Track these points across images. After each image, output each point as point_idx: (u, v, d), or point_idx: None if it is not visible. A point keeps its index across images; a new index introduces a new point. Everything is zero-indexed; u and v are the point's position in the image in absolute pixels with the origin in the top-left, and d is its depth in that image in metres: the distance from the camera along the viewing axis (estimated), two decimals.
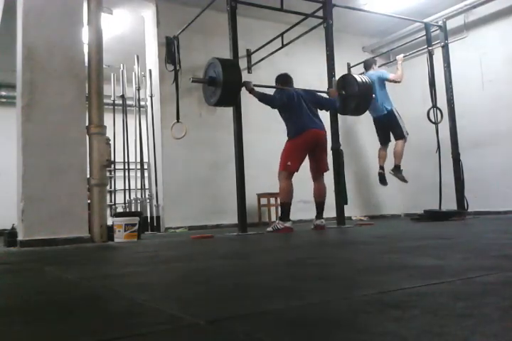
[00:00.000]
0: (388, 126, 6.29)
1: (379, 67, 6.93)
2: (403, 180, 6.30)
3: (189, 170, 6.10)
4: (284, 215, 4.37)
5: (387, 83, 6.36)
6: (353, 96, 5.05)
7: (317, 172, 4.49)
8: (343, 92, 5.04)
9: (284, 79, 4.71)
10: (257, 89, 4.41)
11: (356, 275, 1.50)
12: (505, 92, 6.18)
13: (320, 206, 4.52)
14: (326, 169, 4.53)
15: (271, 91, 4.60)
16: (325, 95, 4.81)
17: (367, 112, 6.58)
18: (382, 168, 6.47)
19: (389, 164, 6.40)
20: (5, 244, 3.87)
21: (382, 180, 6.51)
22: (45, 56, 3.76)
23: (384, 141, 6.50)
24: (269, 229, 4.41)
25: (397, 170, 6.24)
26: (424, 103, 5.82)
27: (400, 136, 6.21)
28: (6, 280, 1.85)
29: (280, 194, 4.44)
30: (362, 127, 7.42)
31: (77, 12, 3.98)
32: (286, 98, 4.40)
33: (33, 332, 0.92)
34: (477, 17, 6.50)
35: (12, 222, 5.12)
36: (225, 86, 4.15)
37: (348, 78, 5.23)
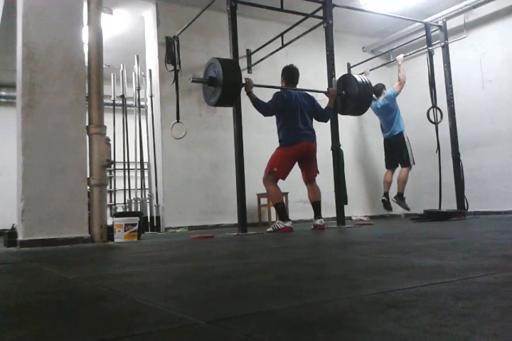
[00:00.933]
0: (396, 149, 6.30)
1: (379, 67, 6.94)
2: (406, 208, 6.31)
3: (189, 170, 6.10)
4: (282, 215, 4.39)
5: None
6: (352, 96, 5.02)
7: (308, 179, 4.58)
8: (343, 92, 5.02)
9: (289, 76, 4.66)
10: (256, 90, 4.40)
11: (356, 275, 1.50)
12: (505, 92, 6.18)
13: (317, 206, 4.54)
14: (316, 174, 4.60)
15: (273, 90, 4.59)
16: (322, 101, 4.82)
17: (378, 130, 6.62)
18: (386, 194, 6.45)
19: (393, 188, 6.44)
20: (5, 244, 3.87)
21: (387, 206, 6.50)
22: (45, 56, 3.76)
23: (390, 165, 6.47)
24: (270, 229, 4.42)
25: (400, 198, 6.26)
26: (424, 103, 5.82)
27: (406, 163, 6.22)
28: (6, 280, 1.85)
29: (269, 197, 4.50)
30: (365, 127, 7.43)
31: (77, 12, 3.98)
32: (282, 105, 4.40)
33: (33, 332, 0.92)
34: (477, 17, 6.50)
35: (12, 222, 5.12)
36: (225, 86, 4.12)
37: (348, 78, 5.21)
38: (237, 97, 4.32)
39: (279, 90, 4.68)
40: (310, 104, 4.60)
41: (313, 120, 4.67)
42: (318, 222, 4.46)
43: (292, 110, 4.43)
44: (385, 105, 6.41)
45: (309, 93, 4.80)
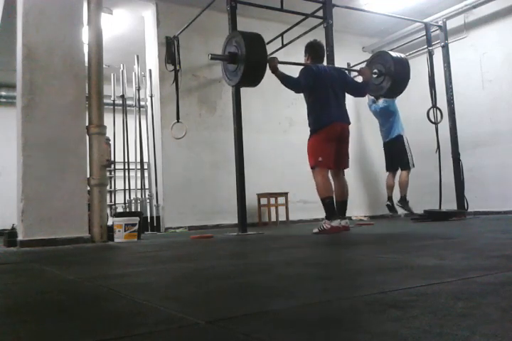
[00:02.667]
0: (395, 152, 6.22)
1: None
2: (410, 211, 6.18)
3: (189, 170, 6.10)
4: (329, 213, 3.84)
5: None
6: (388, 75, 4.41)
7: (338, 169, 4.05)
8: (377, 71, 4.47)
9: (315, 51, 4.21)
10: (281, 67, 3.97)
11: (356, 275, 1.50)
12: (505, 92, 6.18)
13: (342, 206, 4.04)
14: (347, 165, 4.13)
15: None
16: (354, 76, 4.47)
17: (377, 130, 6.52)
18: (390, 198, 6.34)
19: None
20: (5, 244, 3.87)
21: (392, 210, 6.38)
22: (45, 56, 3.76)
23: (390, 167, 6.36)
24: (315, 230, 3.89)
25: (403, 201, 6.17)
26: (424, 103, 5.82)
27: (406, 166, 6.15)
28: (6, 280, 1.85)
29: (318, 190, 3.92)
30: (364, 127, 7.42)
31: (77, 12, 3.98)
32: (312, 80, 3.93)
33: (33, 332, 0.92)
34: (477, 17, 6.50)
35: (12, 222, 5.12)
36: (248, 62, 3.64)
37: (382, 55, 4.66)
38: (262, 75, 3.82)
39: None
40: (342, 78, 4.14)
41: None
42: (343, 222, 3.91)
43: (323, 86, 3.95)
44: (386, 107, 6.36)
45: None
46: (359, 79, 4.36)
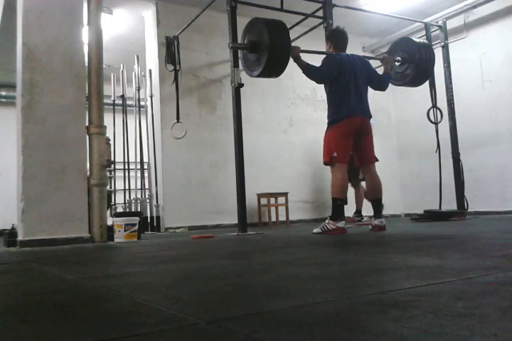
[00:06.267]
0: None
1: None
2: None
3: (189, 170, 6.10)
4: (336, 214, 3.72)
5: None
6: (412, 63, 4.26)
7: (365, 165, 3.85)
8: (399, 59, 4.34)
9: (338, 39, 4.01)
10: (302, 56, 3.83)
11: (356, 275, 1.50)
12: (505, 92, 6.18)
13: (376, 203, 3.84)
14: (374, 158, 3.94)
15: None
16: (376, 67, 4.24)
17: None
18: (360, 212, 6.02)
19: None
20: (5, 244, 3.87)
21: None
22: (45, 56, 3.77)
23: (356, 178, 5.80)
24: (317, 230, 3.77)
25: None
26: (424, 103, 5.82)
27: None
28: (6, 280, 1.85)
29: (332, 188, 3.76)
30: None
31: (77, 12, 3.98)
32: (336, 70, 3.76)
33: (33, 332, 0.92)
34: (477, 17, 6.51)
35: (12, 222, 5.12)
36: (272, 50, 3.53)
37: (405, 42, 4.49)
38: (286, 63, 3.68)
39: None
40: (366, 70, 3.92)
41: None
42: (377, 222, 3.76)
43: (345, 77, 3.77)
44: None
45: None
46: (380, 69, 4.25)
